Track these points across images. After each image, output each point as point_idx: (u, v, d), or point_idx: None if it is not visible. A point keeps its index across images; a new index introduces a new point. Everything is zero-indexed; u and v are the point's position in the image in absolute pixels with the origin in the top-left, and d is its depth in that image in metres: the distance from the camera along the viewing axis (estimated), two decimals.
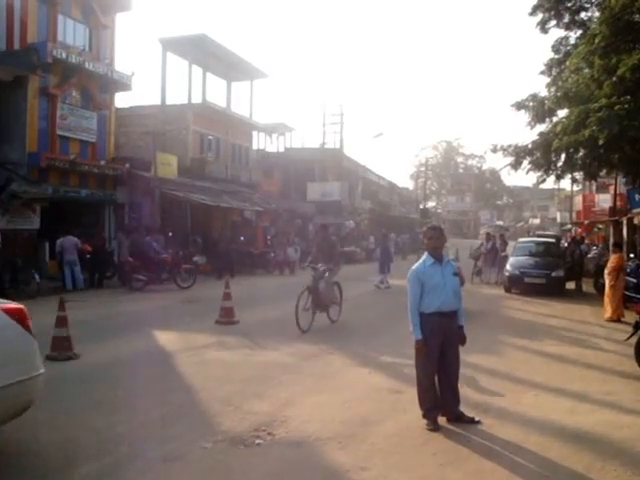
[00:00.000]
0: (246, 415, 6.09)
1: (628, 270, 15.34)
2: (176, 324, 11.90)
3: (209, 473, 4.72)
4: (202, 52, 29.92)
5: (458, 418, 5.87)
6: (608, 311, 13.20)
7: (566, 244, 24.14)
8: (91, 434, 5.50)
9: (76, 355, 8.61)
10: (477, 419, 5.92)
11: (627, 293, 13.85)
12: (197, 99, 30.48)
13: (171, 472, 4.73)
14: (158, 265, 18.56)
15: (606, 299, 13.42)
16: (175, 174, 26.06)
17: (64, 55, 20.59)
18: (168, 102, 30.02)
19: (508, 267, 18.93)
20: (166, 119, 28.76)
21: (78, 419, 5.92)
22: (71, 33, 22.30)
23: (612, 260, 13.64)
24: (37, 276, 16.20)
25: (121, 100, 56.23)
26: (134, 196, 24.56)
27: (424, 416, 5.83)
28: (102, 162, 22.79)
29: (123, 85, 24.13)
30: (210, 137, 31.67)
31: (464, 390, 6.35)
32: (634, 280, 14.61)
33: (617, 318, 12.90)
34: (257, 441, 5.36)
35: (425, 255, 6.05)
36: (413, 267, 6.05)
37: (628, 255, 19.41)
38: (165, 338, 10.43)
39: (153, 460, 4.92)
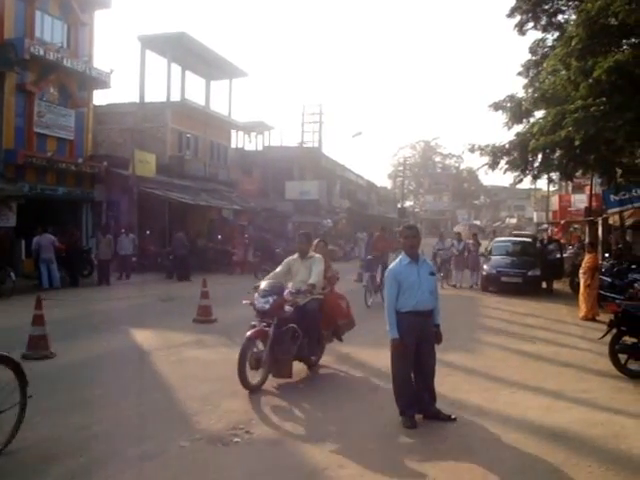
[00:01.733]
0: (224, 413, 6.07)
1: (603, 269, 15.55)
2: (153, 322, 11.81)
3: (186, 472, 4.70)
4: (181, 50, 29.73)
5: (435, 416, 5.91)
6: (583, 310, 13.36)
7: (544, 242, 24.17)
8: (68, 433, 5.45)
9: (52, 354, 8.51)
10: (454, 417, 5.96)
11: (602, 292, 14.03)
12: (176, 97, 30.29)
13: (148, 471, 4.71)
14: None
15: (581, 298, 13.58)
16: (153, 172, 25.87)
17: (42, 52, 20.30)
18: (147, 100, 29.78)
19: (485, 266, 19.08)
20: (144, 117, 28.53)
21: (55, 418, 5.86)
22: (49, 29, 21.96)
23: (587, 260, 13.80)
24: (13, 274, 15.97)
25: (99, 98, 55.95)
26: (112, 194, 24.34)
27: (401, 414, 5.86)
28: (80, 160, 22.51)
29: (102, 82, 23.86)
30: (189, 135, 31.49)
31: (441, 388, 6.39)
32: (609, 279, 14.80)
33: (592, 317, 13.06)
34: (235, 439, 5.35)
35: (401, 254, 6.08)
36: (390, 267, 6.08)
37: (603, 255, 19.68)
38: (142, 336, 10.36)
39: (130, 459, 4.89)
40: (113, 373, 7.86)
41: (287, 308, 7.13)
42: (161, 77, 33.25)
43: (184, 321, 11.68)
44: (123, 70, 66.24)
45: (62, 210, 22.09)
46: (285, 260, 7.90)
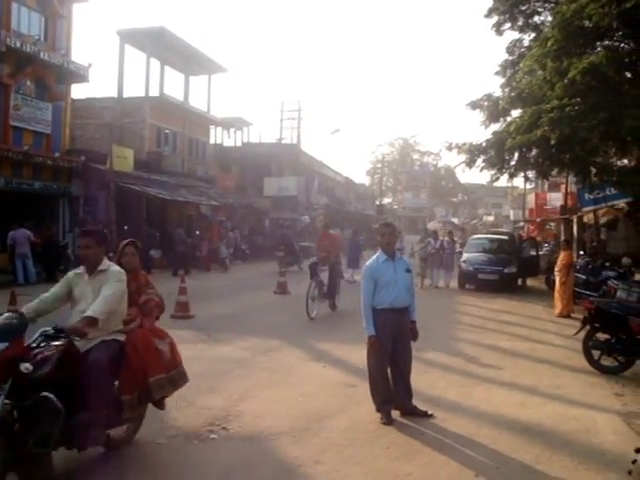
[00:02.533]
0: (200, 410, 6.07)
1: (578, 267, 15.76)
2: None
3: (163, 468, 4.70)
4: (160, 45, 29.52)
5: (411, 412, 5.97)
6: (558, 307, 13.54)
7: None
8: None
9: None
10: (430, 413, 6.02)
11: (577, 290, 14.22)
12: (155, 92, 30.09)
13: (124, 468, 4.69)
14: None
15: (556, 295, 13.76)
16: (131, 167, 25.67)
17: (18, 44, 19.99)
18: (125, 95, 29.55)
19: (462, 263, 19.21)
20: (123, 112, 28.31)
21: None
22: (26, 22, 21.61)
23: (562, 257, 13.97)
24: None
25: (77, 92, 55.31)
26: (89, 189, 24.09)
27: (378, 410, 5.91)
28: (57, 154, 22.23)
29: (80, 76, 23.57)
30: (167, 131, 31.31)
31: (418, 385, 6.45)
32: (583, 277, 15.01)
33: (567, 314, 13.22)
34: (211, 436, 5.36)
35: (378, 252, 6.11)
36: (366, 264, 6.12)
37: (578, 253, 19.92)
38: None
39: (105, 455, 4.86)
40: None
41: (25, 366, 3.94)
42: (140, 72, 33.05)
43: (162, 317, 11.59)
44: (102, 64, 65.56)
45: (38, 205, 21.82)
46: (66, 275, 5.00)
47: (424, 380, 7.15)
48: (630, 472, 3.33)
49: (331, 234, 14.99)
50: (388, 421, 5.76)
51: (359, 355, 7.67)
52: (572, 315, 13.07)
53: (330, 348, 9.25)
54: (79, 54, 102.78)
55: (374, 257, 6.10)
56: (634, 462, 3.35)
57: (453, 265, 19.84)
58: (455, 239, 21.69)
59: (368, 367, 6.04)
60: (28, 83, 21.58)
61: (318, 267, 12.95)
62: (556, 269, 14.00)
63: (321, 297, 12.83)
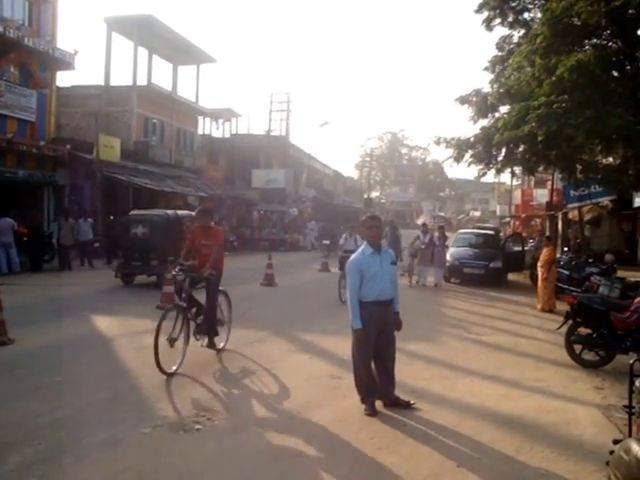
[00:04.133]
0: (186, 401, 6.08)
1: (562, 263, 15.92)
2: (115, 309, 11.72)
3: (148, 458, 4.70)
4: (148, 33, 29.33)
5: (394, 403, 6.02)
6: (541, 302, 13.67)
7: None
8: (27, 420, 5.40)
9: (11, 340, 8.39)
10: (412, 403, 6.09)
11: (560, 285, 14.37)
12: (142, 81, 29.94)
13: (109, 457, 4.69)
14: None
15: (539, 290, 13.90)
16: (118, 157, 25.53)
17: (1, 29, 19.76)
18: (112, 83, 29.40)
19: (448, 257, 19.25)
20: (110, 101, 28.15)
21: (13, 405, 5.82)
22: (9, 6, 21.39)
23: (544, 253, 14.11)
24: None
25: (63, 79, 54.62)
26: (75, 178, 23.95)
27: (362, 401, 5.96)
28: (42, 142, 22.04)
29: (65, 64, 23.39)
30: (155, 121, 31.15)
31: (402, 377, 6.51)
32: (567, 273, 15.15)
33: (549, 309, 13.36)
34: (197, 426, 5.37)
35: (364, 245, 6.15)
36: (352, 257, 6.15)
37: (562, 249, 20.11)
38: (104, 323, 10.28)
39: (90, 446, 4.86)
40: (73, 360, 7.74)
41: None
42: (127, 60, 32.87)
43: (147, 308, 11.58)
44: (88, 52, 64.78)
45: (23, 193, 21.67)
46: None
47: (408, 372, 7.20)
48: (608, 463, 3.40)
49: (213, 229, 8.38)
50: (372, 412, 5.81)
51: (345, 347, 7.71)
52: (554, 310, 13.20)
53: (316, 340, 9.29)
54: (65, 41, 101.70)
55: (360, 250, 6.12)
56: (611, 453, 3.42)
57: (445, 262, 18.58)
58: (447, 234, 20.07)
59: (353, 359, 6.09)
60: (12, 69, 21.43)
61: (184, 283, 7.75)
62: (539, 264, 14.14)
63: (186, 336, 7.49)
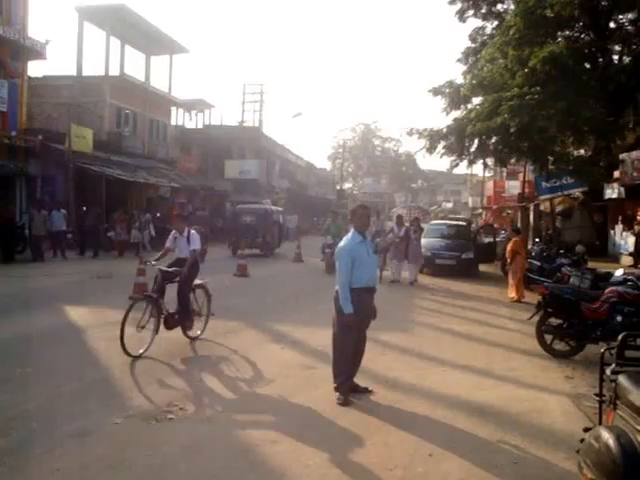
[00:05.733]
0: (158, 391, 6.04)
1: (533, 254, 16.07)
2: (89, 300, 11.58)
3: (119, 448, 4.65)
4: (121, 23, 28.97)
5: (353, 389, 6.08)
6: (512, 292, 13.80)
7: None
8: None
9: None
10: (370, 389, 6.16)
11: (531, 276, 14.50)
12: (115, 72, 29.59)
13: (81, 448, 4.63)
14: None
15: (510, 281, 14.03)
16: (90, 148, 25.21)
17: None
18: (84, 74, 29.03)
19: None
20: (82, 91, 27.78)
21: None
22: None
23: (510, 244, 14.26)
24: None
25: (35, 69, 53.78)
26: (47, 169, 23.58)
27: (337, 389, 5.94)
28: (13, 133, 21.71)
29: (36, 53, 23.00)
30: (127, 111, 30.80)
31: (375, 366, 6.53)
32: (538, 263, 15.29)
33: (518, 299, 13.47)
34: (169, 416, 5.32)
35: (352, 232, 6.13)
36: (341, 244, 6.12)
37: (534, 240, 20.33)
38: (77, 314, 10.14)
39: (62, 436, 4.81)
40: (45, 350, 7.62)
41: None
42: (99, 50, 32.40)
43: (120, 298, 11.42)
44: (60, 42, 63.33)
45: None
46: None
47: (381, 362, 7.22)
48: (578, 451, 3.43)
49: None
50: (346, 402, 5.80)
51: (318, 337, 7.72)
52: (523, 300, 13.31)
53: (289, 330, 9.26)
54: (36, 30, 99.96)
55: (349, 237, 6.09)
56: (582, 441, 3.44)
57: (421, 257, 17.15)
58: (422, 226, 18.39)
59: (338, 346, 6.03)
60: None
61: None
62: (506, 255, 14.30)
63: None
